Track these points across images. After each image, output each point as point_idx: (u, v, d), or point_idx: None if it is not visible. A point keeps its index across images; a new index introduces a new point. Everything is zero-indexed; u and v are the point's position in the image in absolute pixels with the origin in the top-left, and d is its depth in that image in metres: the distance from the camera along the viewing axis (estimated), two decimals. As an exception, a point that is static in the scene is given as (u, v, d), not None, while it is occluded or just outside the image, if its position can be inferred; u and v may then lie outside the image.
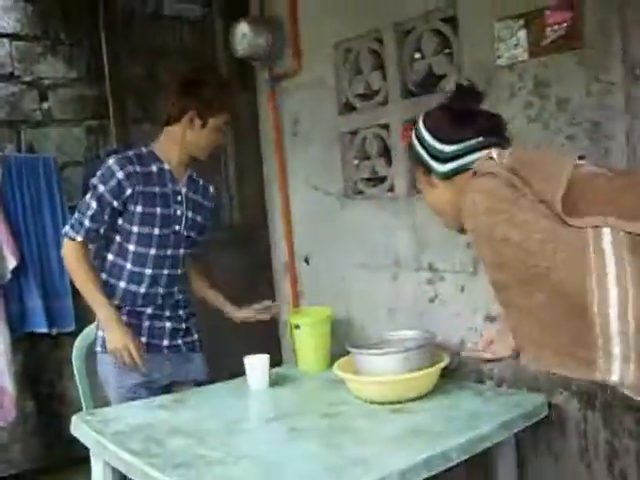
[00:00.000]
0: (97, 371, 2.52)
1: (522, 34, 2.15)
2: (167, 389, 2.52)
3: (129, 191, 2.31)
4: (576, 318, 1.30)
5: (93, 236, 2.37)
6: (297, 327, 2.70)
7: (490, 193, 1.44)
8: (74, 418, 2.30)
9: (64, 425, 2.32)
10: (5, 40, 3.75)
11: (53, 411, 3.60)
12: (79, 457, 2.33)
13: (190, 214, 2.45)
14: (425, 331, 2.43)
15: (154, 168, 2.38)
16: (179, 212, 2.41)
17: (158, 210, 2.36)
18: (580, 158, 1.50)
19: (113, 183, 2.31)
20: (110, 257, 2.41)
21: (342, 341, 2.52)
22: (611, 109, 2.01)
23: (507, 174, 1.44)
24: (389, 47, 2.59)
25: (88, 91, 4.02)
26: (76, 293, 3.72)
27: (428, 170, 1.66)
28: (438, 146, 1.61)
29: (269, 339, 3.29)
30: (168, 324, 2.48)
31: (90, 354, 2.66)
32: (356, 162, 2.83)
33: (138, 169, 2.33)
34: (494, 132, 1.62)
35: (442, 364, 2.26)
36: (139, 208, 2.33)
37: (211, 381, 2.59)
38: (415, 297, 2.63)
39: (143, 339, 2.43)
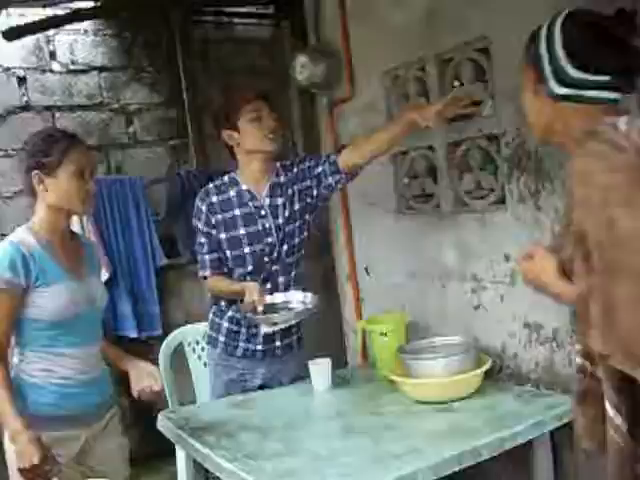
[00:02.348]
0: (182, 371, 2.89)
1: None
2: (261, 389, 2.76)
3: (213, 220, 2.61)
4: None
5: (216, 265, 2.66)
6: (384, 334, 2.78)
7: (612, 169, 1.27)
8: (160, 415, 2.63)
9: (154, 420, 2.63)
10: (95, 72, 4.14)
11: (145, 407, 3.96)
12: (168, 448, 2.59)
13: (281, 220, 2.60)
14: (469, 337, 2.66)
15: (232, 193, 2.61)
16: (267, 225, 2.59)
17: (242, 231, 2.59)
18: None
19: (203, 217, 2.62)
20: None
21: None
22: None
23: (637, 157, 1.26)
24: (431, 75, 2.79)
25: (169, 114, 4.37)
26: (163, 300, 4.13)
27: (541, 78, 1.46)
28: (566, 66, 1.41)
29: (334, 341, 3.55)
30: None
31: (176, 356, 3.06)
32: (407, 180, 3.04)
33: (215, 199, 2.61)
34: (629, 75, 1.42)
35: (483, 368, 2.45)
36: (222, 235, 2.60)
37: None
38: (461, 305, 2.84)
39: (241, 344, 2.71)
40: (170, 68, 4.31)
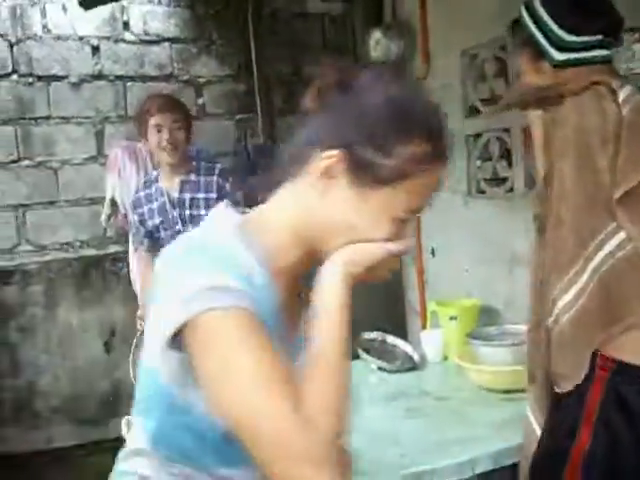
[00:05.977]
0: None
1: (637, 47, 2.24)
2: None
3: (141, 210, 3.00)
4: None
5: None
6: (454, 318, 2.77)
7: (581, 130, 1.42)
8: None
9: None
10: (166, 44, 4.15)
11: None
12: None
13: (187, 212, 2.91)
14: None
15: (153, 188, 2.99)
16: (175, 214, 2.91)
17: (157, 219, 2.95)
18: None
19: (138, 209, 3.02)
20: None
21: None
22: None
23: (615, 120, 1.39)
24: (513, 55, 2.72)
25: (238, 87, 4.36)
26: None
27: (539, 54, 1.57)
28: (559, 32, 1.52)
29: (395, 320, 3.51)
30: None
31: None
32: (479, 163, 2.98)
33: (142, 193, 3.02)
34: (615, 32, 1.56)
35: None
36: (149, 223, 2.98)
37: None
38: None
39: None
40: (240, 41, 4.29)
